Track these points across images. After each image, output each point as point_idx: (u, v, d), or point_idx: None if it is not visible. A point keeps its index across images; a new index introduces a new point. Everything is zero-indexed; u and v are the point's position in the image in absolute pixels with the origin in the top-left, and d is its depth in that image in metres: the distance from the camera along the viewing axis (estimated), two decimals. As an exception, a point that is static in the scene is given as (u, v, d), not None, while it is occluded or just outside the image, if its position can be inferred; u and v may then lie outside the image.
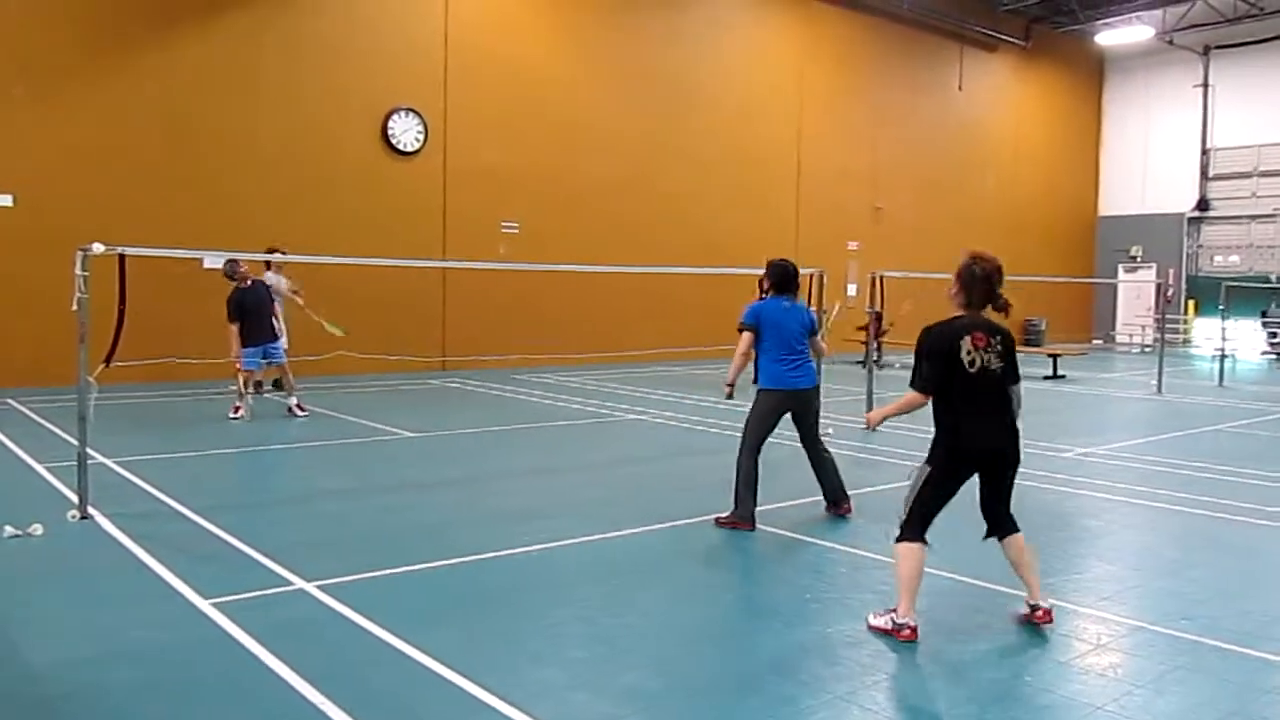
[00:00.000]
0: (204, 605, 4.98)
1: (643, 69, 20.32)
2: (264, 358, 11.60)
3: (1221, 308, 18.94)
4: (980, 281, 4.77)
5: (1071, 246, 30.20)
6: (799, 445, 7.21)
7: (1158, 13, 27.51)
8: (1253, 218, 28.12)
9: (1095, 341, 30.11)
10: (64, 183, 14.09)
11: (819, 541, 6.53)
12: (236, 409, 11.43)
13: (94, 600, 5.17)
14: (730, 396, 7.16)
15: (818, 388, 7.12)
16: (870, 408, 11.73)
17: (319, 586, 5.30)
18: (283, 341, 12.21)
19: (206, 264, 13.32)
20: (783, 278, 7.05)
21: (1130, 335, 29.33)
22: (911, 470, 4.97)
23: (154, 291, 11.76)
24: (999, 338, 4.80)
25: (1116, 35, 27.70)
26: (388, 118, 17.02)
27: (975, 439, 4.77)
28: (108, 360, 7.12)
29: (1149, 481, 8.74)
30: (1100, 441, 11.05)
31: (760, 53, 22.41)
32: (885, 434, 11.09)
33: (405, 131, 17.24)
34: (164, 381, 13.78)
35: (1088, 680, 4.29)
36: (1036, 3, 26.40)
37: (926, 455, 4.87)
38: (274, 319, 11.81)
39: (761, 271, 7.37)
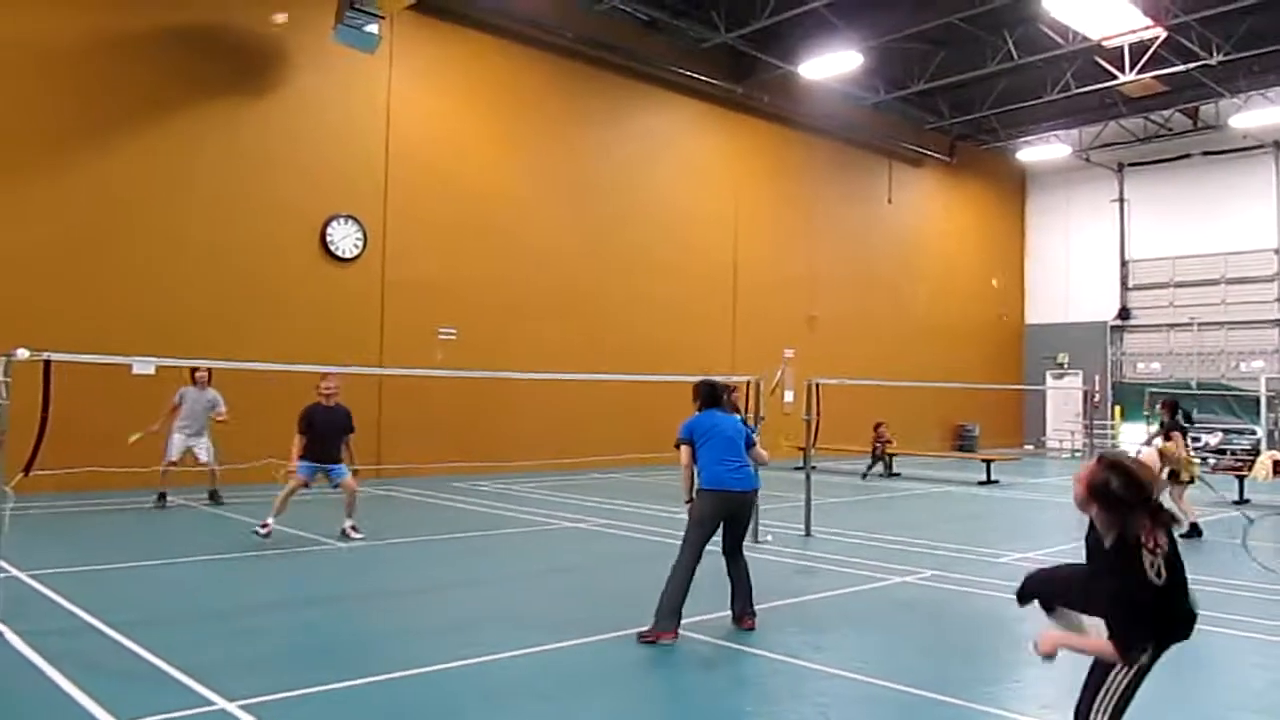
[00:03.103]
0: (118, 728, 4.74)
1: (581, 181, 20.71)
2: (325, 474, 10.83)
3: (1146, 413, 19.44)
4: (1116, 504, 3.69)
5: (1001, 354, 30.99)
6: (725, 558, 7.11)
7: (1074, 132, 28.95)
8: (1171, 326, 29.16)
9: (1027, 446, 30.65)
10: (-9, 287, 13.82)
11: (760, 652, 6.44)
12: (265, 526, 10.44)
13: (-1, 724, 4.90)
14: (690, 501, 7.10)
15: (757, 492, 7.20)
16: (809, 514, 11.68)
17: (242, 706, 5.07)
18: (207, 452, 13.15)
19: (135, 370, 13.02)
20: (711, 395, 7.29)
21: (1060, 440, 29.91)
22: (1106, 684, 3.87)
23: (79, 398, 11.51)
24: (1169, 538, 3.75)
25: (1036, 152, 29.11)
26: (327, 224, 17.05)
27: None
28: (27, 469, 6.88)
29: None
30: (1035, 546, 11.15)
31: (696, 166, 23.01)
32: (823, 540, 11.08)
33: (344, 238, 17.27)
34: (85, 491, 13.34)
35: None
36: (960, 121, 27.58)
37: (1122, 656, 3.76)
38: (344, 445, 11.03)
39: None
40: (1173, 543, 3.77)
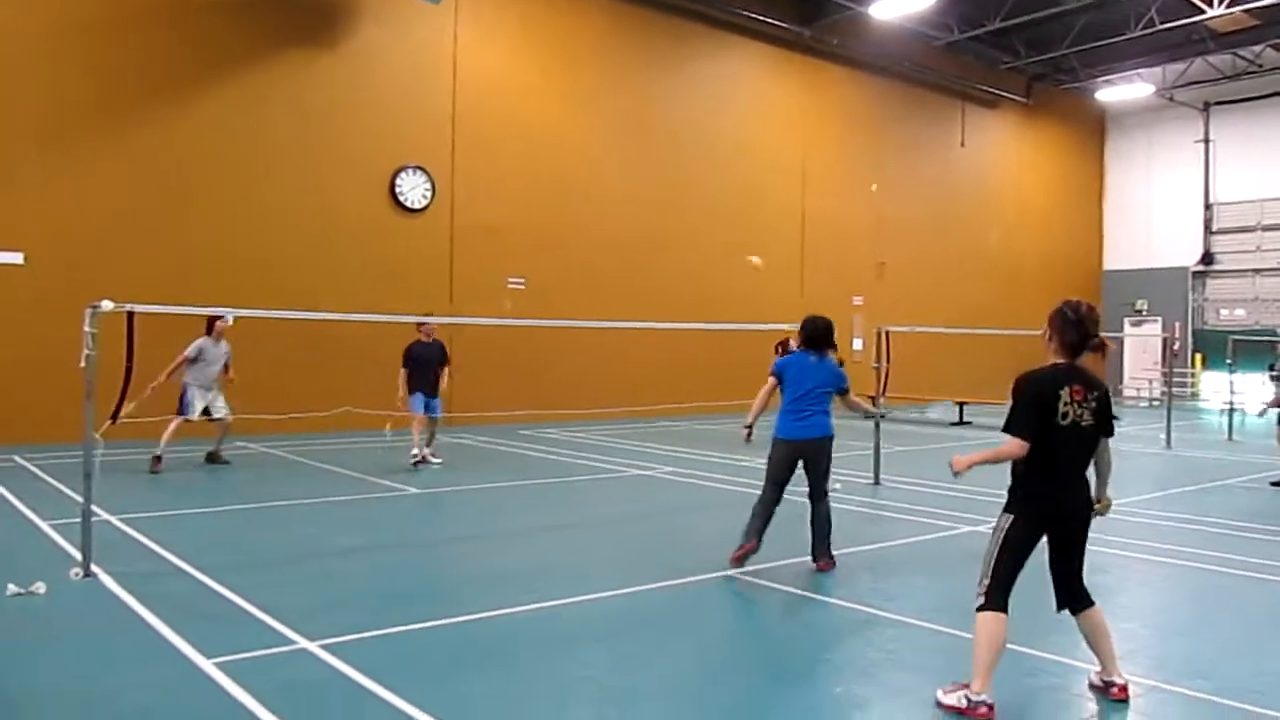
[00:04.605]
0: (206, 665, 4.91)
1: (648, 128, 20.55)
2: (424, 409, 12.30)
3: (1228, 361, 18.88)
4: (1073, 325, 4.56)
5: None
6: (809, 501, 7.30)
7: (1157, 70, 27.87)
8: (1257, 271, 28.19)
9: (1103, 395, 30.02)
10: (74, 241, 14.23)
11: (829, 599, 6.45)
12: (416, 458, 12.22)
13: (95, 661, 5.11)
14: (748, 440, 7.37)
15: (829, 439, 7.25)
16: (879, 462, 11.67)
17: (322, 646, 5.23)
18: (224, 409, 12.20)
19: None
20: (813, 334, 7.36)
21: (1138, 389, 29.24)
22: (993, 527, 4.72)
23: (162, 348, 11.84)
24: (1095, 393, 4.57)
25: (1117, 92, 28.03)
26: (396, 175, 17.20)
27: (1057, 495, 4.64)
28: (114, 417, 7.12)
29: (1162, 537, 8.65)
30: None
31: (765, 112, 22.67)
32: (892, 489, 11.02)
33: (413, 189, 17.40)
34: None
35: (1104, 742, 4.20)
36: (1037, 61, 26.72)
37: (1005, 505, 4.73)
38: (439, 376, 12.45)
39: (776, 328, 7.62)
40: (1098, 422, 4.57)
